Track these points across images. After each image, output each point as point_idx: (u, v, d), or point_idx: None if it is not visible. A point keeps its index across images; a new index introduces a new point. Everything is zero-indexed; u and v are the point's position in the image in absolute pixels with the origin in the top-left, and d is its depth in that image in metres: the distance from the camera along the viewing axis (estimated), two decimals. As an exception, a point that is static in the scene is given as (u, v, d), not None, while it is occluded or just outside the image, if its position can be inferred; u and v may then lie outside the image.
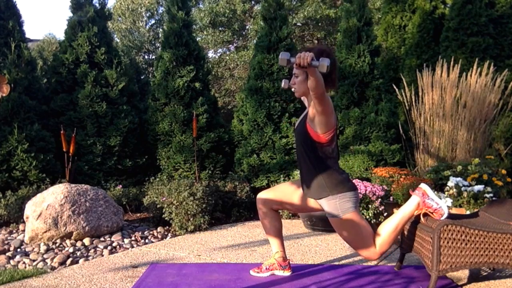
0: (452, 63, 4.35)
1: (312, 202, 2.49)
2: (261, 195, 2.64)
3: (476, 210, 3.01)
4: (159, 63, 5.35)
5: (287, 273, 2.64)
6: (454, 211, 3.31)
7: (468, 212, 3.19)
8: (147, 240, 3.68)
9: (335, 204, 2.33)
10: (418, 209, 2.40)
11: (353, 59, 4.96)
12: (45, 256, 3.18)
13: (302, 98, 2.49)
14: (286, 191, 2.59)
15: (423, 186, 2.41)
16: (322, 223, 3.97)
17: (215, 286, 2.46)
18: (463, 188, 3.34)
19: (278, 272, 2.63)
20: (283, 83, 2.61)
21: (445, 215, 2.32)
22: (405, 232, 2.67)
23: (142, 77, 8.10)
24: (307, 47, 2.42)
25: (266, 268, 2.64)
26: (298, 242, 3.55)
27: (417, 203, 2.39)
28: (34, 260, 3.10)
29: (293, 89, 2.45)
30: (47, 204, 3.51)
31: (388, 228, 2.40)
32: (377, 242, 2.39)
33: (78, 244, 3.45)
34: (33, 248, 3.35)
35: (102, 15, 5.47)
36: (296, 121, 2.51)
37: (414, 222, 2.54)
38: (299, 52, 2.04)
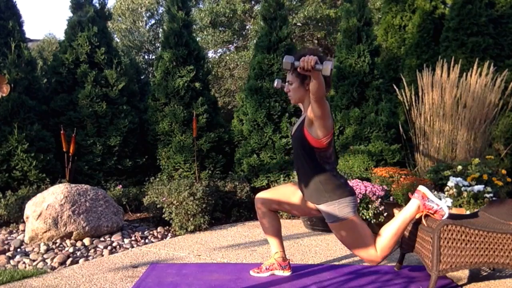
0: (452, 63, 4.35)
1: (310, 205, 2.49)
2: (260, 195, 2.65)
3: (476, 210, 3.01)
4: (159, 63, 5.35)
5: (287, 273, 2.64)
6: (454, 211, 3.31)
7: (468, 212, 3.18)
8: (147, 240, 3.68)
9: (333, 209, 2.33)
10: (419, 212, 2.40)
11: (353, 59, 4.96)
12: (45, 256, 3.18)
13: (298, 104, 2.50)
14: (285, 192, 2.59)
15: (422, 188, 2.40)
16: (322, 223, 3.97)
17: (215, 286, 2.46)
18: (463, 188, 3.34)
19: (278, 272, 2.63)
20: (276, 83, 2.63)
21: (446, 215, 2.32)
22: (405, 232, 2.67)
23: (142, 77, 8.09)
24: (307, 48, 2.44)
25: (266, 268, 2.64)
26: (298, 242, 3.55)
27: (417, 206, 2.39)
28: (34, 260, 3.10)
29: (289, 97, 2.47)
30: (47, 204, 3.51)
31: (389, 232, 2.39)
32: (378, 246, 2.37)
33: (78, 244, 3.45)
34: (33, 248, 3.35)
35: (102, 15, 5.47)
36: (293, 126, 2.53)
37: (415, 222, 2.54)
38: (299, 54, 2.04)
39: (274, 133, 5.04)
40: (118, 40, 11.42)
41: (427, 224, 2.37)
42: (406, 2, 6.18)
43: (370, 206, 3.70)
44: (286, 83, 2.45)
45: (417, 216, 2.42)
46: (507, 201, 2.72)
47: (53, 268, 2.94)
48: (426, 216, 2.40)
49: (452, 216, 2.40)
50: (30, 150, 4.52)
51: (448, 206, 3.03)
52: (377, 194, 3.74)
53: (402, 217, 2.42)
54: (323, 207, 2.37)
